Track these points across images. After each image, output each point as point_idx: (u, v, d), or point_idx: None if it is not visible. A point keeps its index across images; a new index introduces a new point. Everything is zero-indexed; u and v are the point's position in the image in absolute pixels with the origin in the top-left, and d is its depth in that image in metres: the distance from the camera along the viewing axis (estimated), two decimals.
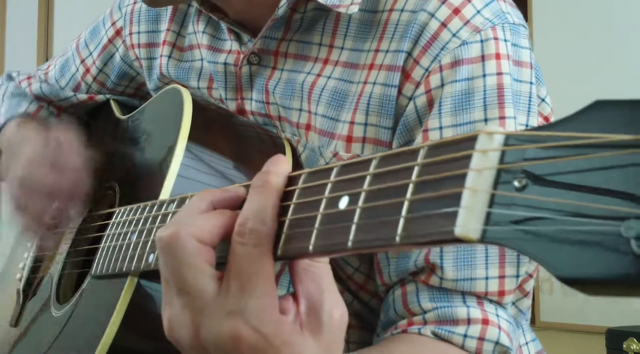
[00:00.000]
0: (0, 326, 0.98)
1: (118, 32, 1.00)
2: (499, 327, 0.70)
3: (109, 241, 0.72)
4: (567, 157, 0.33)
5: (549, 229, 0.32)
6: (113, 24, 1.01)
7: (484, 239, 0.34)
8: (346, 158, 0.76)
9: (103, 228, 0.79)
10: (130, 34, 0.98)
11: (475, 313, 0.69)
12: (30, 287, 0.96)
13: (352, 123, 0.76)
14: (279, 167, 0.49)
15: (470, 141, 0.36)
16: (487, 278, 0.70)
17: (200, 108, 0.76)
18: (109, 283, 0.71)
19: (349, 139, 0.76)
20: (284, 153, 0.79)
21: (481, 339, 0.69)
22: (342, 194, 0.43)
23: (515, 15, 0.76)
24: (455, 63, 0.71)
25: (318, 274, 0.49)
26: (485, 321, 0.69)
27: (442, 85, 0.71)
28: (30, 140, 0.91)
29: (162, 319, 0.50)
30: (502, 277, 0.71)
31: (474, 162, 0.35)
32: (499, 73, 0.71)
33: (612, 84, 2.29)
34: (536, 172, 0.33)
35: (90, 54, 1.03)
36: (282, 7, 0.78)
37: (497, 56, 0.71)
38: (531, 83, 0.75)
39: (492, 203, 0.34)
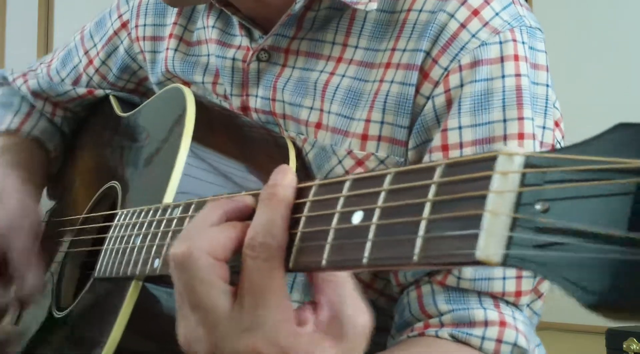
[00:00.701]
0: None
1: (124, 25, 0.99)
2: (516, 329, 0.70)
3: (112, 243, 0.71)
4: (590, 182, 0.32)
5: (571, 255, 0.32)
6: (120, 16, 1.00)
7: (505, 263, 0.34)
8: (361, 157, 0.76)
9: (104, 228, 0.79)
10: (137, 26, 0.97)
11: (492, 315, 0.69)
12: None
13: (367, 121, 0.75)
14: (285, 178, 0.48)
15: (489, 161, 0.36)
16: (504, 278, 0.71)
17: (203, 107, 0.75)
18: (113, 287, 0.70)
19: (365, 137, 0.76)
20: (287, 152, 0.79)
21: (499, 341, 0.69)
22: (356, 209, 0.43)
23: (532, 18, 0.76)
24: (475, 63, 0.71)
25: (339, 283, 0.49)
26: (502, 323, 0.69)
27: (462, 85, 0.71)
28: None
29: (178, 334, 0.50)
30: (519, 277, 0.71)
31: (494, 184, 0.35)
32: (518, 75, 0.72)
33: (613, 84, 2.29)
34: (558, 195, 0.33)
35: (95, 45, 1.02)
36: (300, 3, 0.77)
37: (516, 58, 0.72)
38: (547, 85, 0.75)
39: (513, 226, 0.34)
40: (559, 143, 0.78)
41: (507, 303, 0.71)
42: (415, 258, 0.37)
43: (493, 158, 0.36)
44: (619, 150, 0.32)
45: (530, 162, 0.35)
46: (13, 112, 1.07)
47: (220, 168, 0.73)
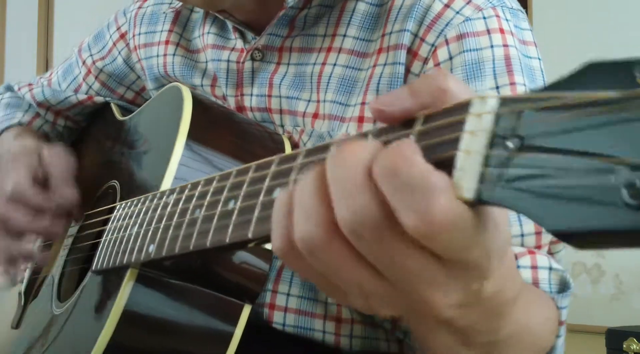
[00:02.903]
0: (2, 328, 0.98)
1: (122, 36, 1.03)
2: (546, 255, 0.69)
3: (109, 234, 0.72)
4: (560, 117, 0.33)
5: (541, 184, 0.33)
6: (118, 28, 1.04)
7: (479, 198, 0.34)
8: None
9: (104, 224, 0.79)
10: (134, 36, 1.01)
11: (519, 249, 0.69)
12: (31, 288, 0.96)
13: (363, 104, 0.77)
14: None
15: (464, 106, 0.37)
16: (522, 235, 0.70)
17: (200, 104, 0.77)
18: (109, 277, 0.71)
19: (361, 119, 0.77)
20: (283, 149, 0.80)
21: (534, 267, 0.67)
22: None
23: (513, 1, 0.79)
24: (461, 36, 0.74)
25: None
26: (531, 252, 0.69)
27: (451, 58, 0.74)
28: (22, 156, 0.92)
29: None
30: (538, 233, 0.70)
31: (468, 126, 0.36)
32: (505, 45, 0.74)
33: None
34: (530, 132, 0.34)
35: (92, 56, 1.06)
36: (292, 1, 0.80)
37: (501, 31, 0.74)
38: (539, 59, 0.78)
39: (486, 163, 0.35)
40: None
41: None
42: None
43: (468, 103, 0.37)
44: (590, 87, 0.33)
45: (504, 103, 0.36)
46: (23, 110, 1.10)
47: (215, 160, 0.74)
